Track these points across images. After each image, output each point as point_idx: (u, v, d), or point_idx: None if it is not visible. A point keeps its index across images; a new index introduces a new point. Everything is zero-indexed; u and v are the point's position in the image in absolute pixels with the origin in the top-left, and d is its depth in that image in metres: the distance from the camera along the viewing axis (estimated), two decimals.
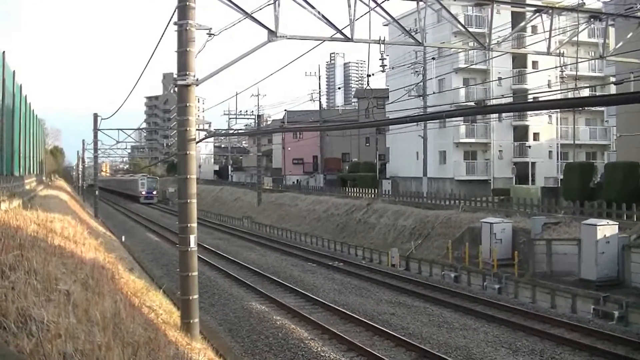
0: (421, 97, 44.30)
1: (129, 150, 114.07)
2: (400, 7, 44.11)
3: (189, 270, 12.65)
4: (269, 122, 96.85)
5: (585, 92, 44.69)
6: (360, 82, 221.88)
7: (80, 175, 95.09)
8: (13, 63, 17.92)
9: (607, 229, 20.93)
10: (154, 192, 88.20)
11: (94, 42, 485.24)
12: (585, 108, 50.29)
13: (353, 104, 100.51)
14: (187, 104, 12.61)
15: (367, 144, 70.36)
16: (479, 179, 50.17)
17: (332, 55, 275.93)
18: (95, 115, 50.42)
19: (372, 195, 43.62)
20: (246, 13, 12.94)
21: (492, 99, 47.85)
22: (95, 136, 52.02)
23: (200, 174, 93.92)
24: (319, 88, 69.30)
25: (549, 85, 45.26)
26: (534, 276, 22.66)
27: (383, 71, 20.25)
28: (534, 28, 32.27)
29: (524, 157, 50.48)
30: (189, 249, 12.65)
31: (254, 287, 23.88)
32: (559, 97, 39.46)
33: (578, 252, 21.65)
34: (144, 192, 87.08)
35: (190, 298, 12.54)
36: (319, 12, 13.97)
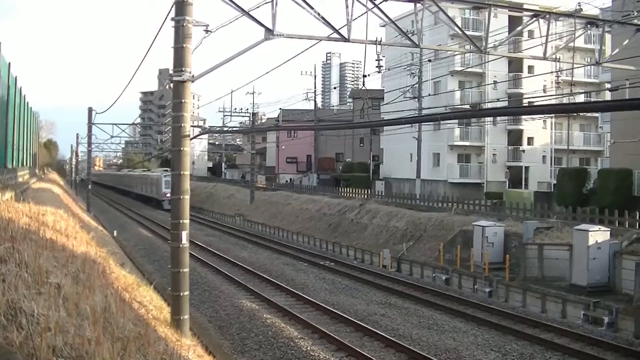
0: (416, 99, 44.39)
1: (123, 145, 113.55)
2: (398, 8, 44.39)
3: (180, 267, 12.63)
4: (263, 120, 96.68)
5: (581, 98, 44.84)
6: (355, 82, 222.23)
7: (73, 169, 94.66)
8: (9, 55, 17.84)
9: (599, 234, 20.98)
10: None
11: (90, 37, 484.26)
12: (580, 114, 50.49)
13: (348, 104, 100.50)
14: (183, 100, 12.59)
15: (362, 145, 70.42)
16: (472, 182, 50.32)
17: (329, 54, 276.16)
18: (90, 110, 50.45)
19: (365, 196, 43.61)
20: (243, 10, 12.91)
21: (487, 102, 47.95)
22: (90, 130, 52.01)
23: (194, 170, 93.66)
24: (315, 87, 69.41)
25: (544, 90, 45.51)
26: (525, 280, 22.71)
27: (379, 72, 20.22)
28: (531, 33, 32.37)
29: (518, 162, 50.63)
30: (181, 246, 12.63)
31: (244, 284, 23.84)
32: (554, 102, 39.71)
33: (570, 257, 21.69)
34: (168, 195, 64.65)
35: (181, 294, 12.53)
36: (316, 12, 13.94)
